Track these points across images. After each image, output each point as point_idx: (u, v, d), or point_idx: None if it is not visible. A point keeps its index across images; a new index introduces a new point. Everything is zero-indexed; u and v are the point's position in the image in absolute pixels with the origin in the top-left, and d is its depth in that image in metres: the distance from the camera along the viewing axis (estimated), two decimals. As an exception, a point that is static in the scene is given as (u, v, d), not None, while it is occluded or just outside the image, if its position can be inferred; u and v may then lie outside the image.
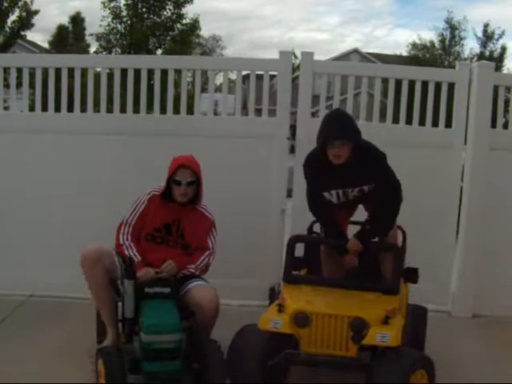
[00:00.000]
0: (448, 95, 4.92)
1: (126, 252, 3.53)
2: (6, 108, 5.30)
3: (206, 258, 3.66)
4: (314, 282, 3.52)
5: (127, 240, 3.59)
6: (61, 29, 32.10)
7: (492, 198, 4.87)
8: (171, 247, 3.64)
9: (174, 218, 3.67)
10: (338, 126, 3.45)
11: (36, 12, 20.62)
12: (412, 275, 3.71)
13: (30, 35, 32.22)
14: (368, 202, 3.72)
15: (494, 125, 4.93)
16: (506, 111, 5.20)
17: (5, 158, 4.95)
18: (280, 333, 3.18)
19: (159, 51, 23.50)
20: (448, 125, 4.96)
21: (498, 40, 29.65)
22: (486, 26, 29.75)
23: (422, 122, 4.97)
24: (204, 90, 6.92)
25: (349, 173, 3.50)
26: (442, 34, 30.71)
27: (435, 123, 4.97)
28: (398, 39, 63.75)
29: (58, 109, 4.97)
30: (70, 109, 4.97)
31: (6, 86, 5.16)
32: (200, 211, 3.76)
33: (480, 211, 4.88)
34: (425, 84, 4.91)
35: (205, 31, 46.62)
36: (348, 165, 3.47)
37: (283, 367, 3.31)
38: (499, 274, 4.92)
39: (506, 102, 5.13)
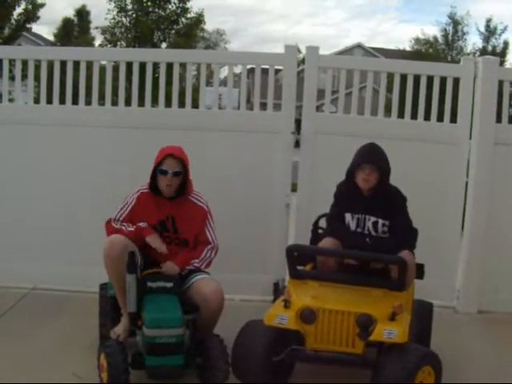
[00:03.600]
0: (453, 90, 4.89)
1: (125, 230, 3.51)
2: (10, 100, 5.30)
3: (209, 252, 3.65)
4: (320, 277, 3.50)
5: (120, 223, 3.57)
6: (66, 22, 32.09)
7: (497, 193, 4.84)
8: (168, 244, 3.60)
9: (168, 215, 3.63)
10: (372, 153, 3.63)
11: (42, 5, 20.63)
12: (418, 271, 3.69)
13: (36, 28, 32.29)
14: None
15: (499, 120, 4.90)
16: (511, 106, 5.16)
17: (9, 149, 4.94)
18: (286, 329, 3.16)
19: (164, 45, 23.48)
20: (453, 120, 4.93)
21: (500, 35, 29.60)
22: (489, 21, 29.71)
23: (427, 117, 4.95)
24: (208, 83, 6.89)
25: (371, 201, 3.60)
26: (445, 29, 30.65)
27: (440, 118, 4.94)
28: (402, 34, 63.64)
29: (62, 101, 4.96)
30: (75, 102, 4.96)
31: (11, 78, 5.15)
32: (193, 202, 3.71)
33: (485, 206, 4.85)
34: (430, 79, 4.89)
35: (211, 25, 46.58)
36: (373, 194, 3.60)
37: (288, 363, 3.30)
38: (505, 269, 4.89)
39: (511, 96, 5.09)
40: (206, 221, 3.71)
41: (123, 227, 3.54)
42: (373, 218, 3.62)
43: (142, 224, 3.55)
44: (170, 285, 3.34)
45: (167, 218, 3.63)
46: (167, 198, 3.64)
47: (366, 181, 3.56)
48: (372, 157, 3.59)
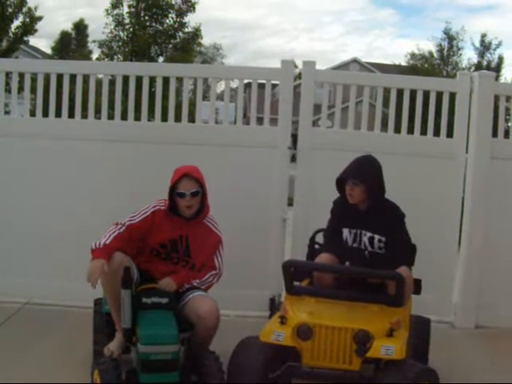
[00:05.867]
0: (449, 105, 4.91)
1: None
2: (6, 112, 5.30)
3: (211, 277, 3.59)
4: (316, 293, 3.47)
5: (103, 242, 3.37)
6: (64, 35, 32.25)
7: (494, 207, 4.85)
8: (176, 264, 3.58)
9: (181, 235, 3.58)
10: (356, 168, 3.60)
11: (40, 18, 20.68)
12: (415, 286, 3.67)
13: (35, 41, 32.40)
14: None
15: (495, 134, 4.91)
16: (507, 120, 5.19)
17: (5, 162, 4.92)
18: (282, 345, 3.13)
19: (161, 59, 23.57)
20: (449, 134, 4.94)
21: (495, 50, 29.82)
22: (484, 36, 29.91)
23: (423, 132, 4.95)
24: (205, 98, 6.90)
25: (367, 216, 3.60)
26: (441, 44, 30.87)
27: (437, 133, 4.95)
28: (399, 49, 64.14)
29: (58, 115, 4.95)
30: (71, 115, 4.95)
31: (8, 90, 5.15)
32: (208, 226, 3.67)
33: (482, 221, 4.85)
34: (426, 94, 4.90)
35: (209, 40, 46.81)
36: (369, 209, 3.60)
37: (285, 380, 3.25)
38: (502, 284, 4.88)
39: (507, 110, 5.11)
40: (216, 249, 3.66)
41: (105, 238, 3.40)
42: (369, 234, 3.61)
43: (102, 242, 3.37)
44: (165, 301, 3.29)
45: (180, 237, 3.58)
46: (184, 218, 3.59)
47: (350, 195, 3.58)
48: (354, 171, 3.57)
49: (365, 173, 3.58)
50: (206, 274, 3.58)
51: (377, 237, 3.59)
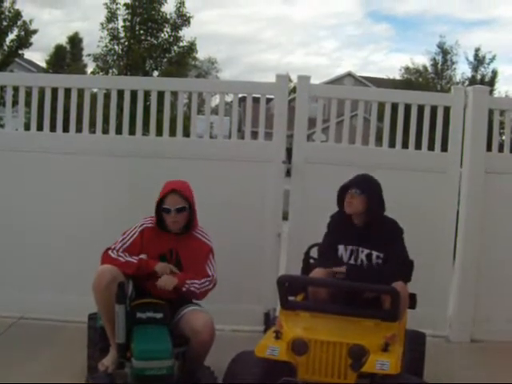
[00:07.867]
0: (443, 119, 4.93)
1: (123, 260, 3.44)
2: (1, 126, 5.30)
3: (207, 282, 3.56)
4: (311, 308, 3.46)
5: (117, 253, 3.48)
6: (58, 48, 32.26)
7: (488, 221, 4.85)
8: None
9: (171, 249, 3.57)
10: (359, 179, 3.68)
11: (34, 31, 20.72)
12: (410, 301, 3.67)
13: (30, 54, 32.39)
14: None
15: (489, 148, 4.93)
16: (501, 134, 5.23)
17: (-1, 177, 4.91)
18: (277, 360, 3.12)
19: (156, 73, 23.65)
20: (444, 149, 4.96)
21: (489, 64, 30.03)
22: (477, 50, 30.12)
23: (418, 146, 4.97)
24: (200, 112, 6.92)
25: (364, 233, 3.62)
26: (435, 59, 31.09)
27: (431, 147, 4.97)
28: (393, 63, 64.73)
29: (53, 129, 4.95)
30: (66, 129, 4.95)
31: (2, 104, 5.14)
32: (197, 238, 3.66)
33: (477, 235, 4.86)
34: (420, 108, 4.92)
35: (204, 54, 46.92)
36: (366, 225, 3.62)
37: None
38: (497, 297, 4.88)
39: (501, 124, 5.14)
40: (207, 258, 3.64)
41: (120, 258, 3.47)
42: (366, 250, 3.60)
43: (143, 256, 3.49)
44: (159, 315, 3.28)
45: (170, 251, 3.57)
46: (173, 233, 3.59)
47: (349, 203, 3.60)
48: (356, 181, 3.64)
49: (366, 184, 3.65)
50: (201, 279, 3.54)
51: (375, 253, 3.59)
